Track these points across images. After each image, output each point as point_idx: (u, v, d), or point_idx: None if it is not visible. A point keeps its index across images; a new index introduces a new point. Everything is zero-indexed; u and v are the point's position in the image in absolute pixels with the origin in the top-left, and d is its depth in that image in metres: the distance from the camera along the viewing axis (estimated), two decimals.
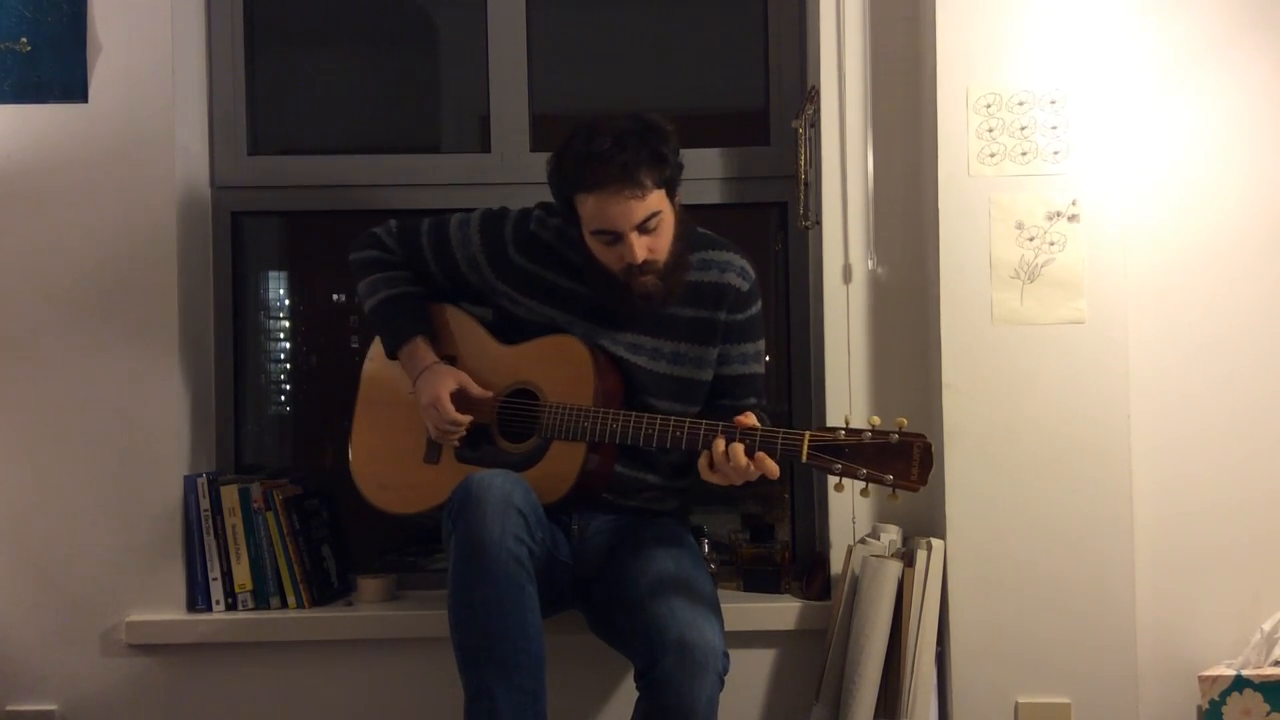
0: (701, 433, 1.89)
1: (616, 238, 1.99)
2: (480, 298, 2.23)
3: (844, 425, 1.82)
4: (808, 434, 1.83)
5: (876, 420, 1.81)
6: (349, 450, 2.26)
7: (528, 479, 1.96)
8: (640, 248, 1.98)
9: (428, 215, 2.26)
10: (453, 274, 2.20)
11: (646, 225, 1.98)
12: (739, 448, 1.83)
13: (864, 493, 1.82)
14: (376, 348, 2.26)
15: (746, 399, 2.17)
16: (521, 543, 1.85)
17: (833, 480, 1.83)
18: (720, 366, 2.16)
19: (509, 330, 2.18)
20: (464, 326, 2.22)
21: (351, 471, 2.25)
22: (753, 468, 1.84)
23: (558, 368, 2.08)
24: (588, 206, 1.99)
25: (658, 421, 1.95)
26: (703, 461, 1.89)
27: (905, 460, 1.77)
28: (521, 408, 2.11)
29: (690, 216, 2.14)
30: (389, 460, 2.22)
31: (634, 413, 1.98)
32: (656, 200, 1.97)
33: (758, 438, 1.84)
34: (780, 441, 1.83)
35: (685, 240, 2.09)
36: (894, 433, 1.78)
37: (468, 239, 2.18)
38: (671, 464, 2.17)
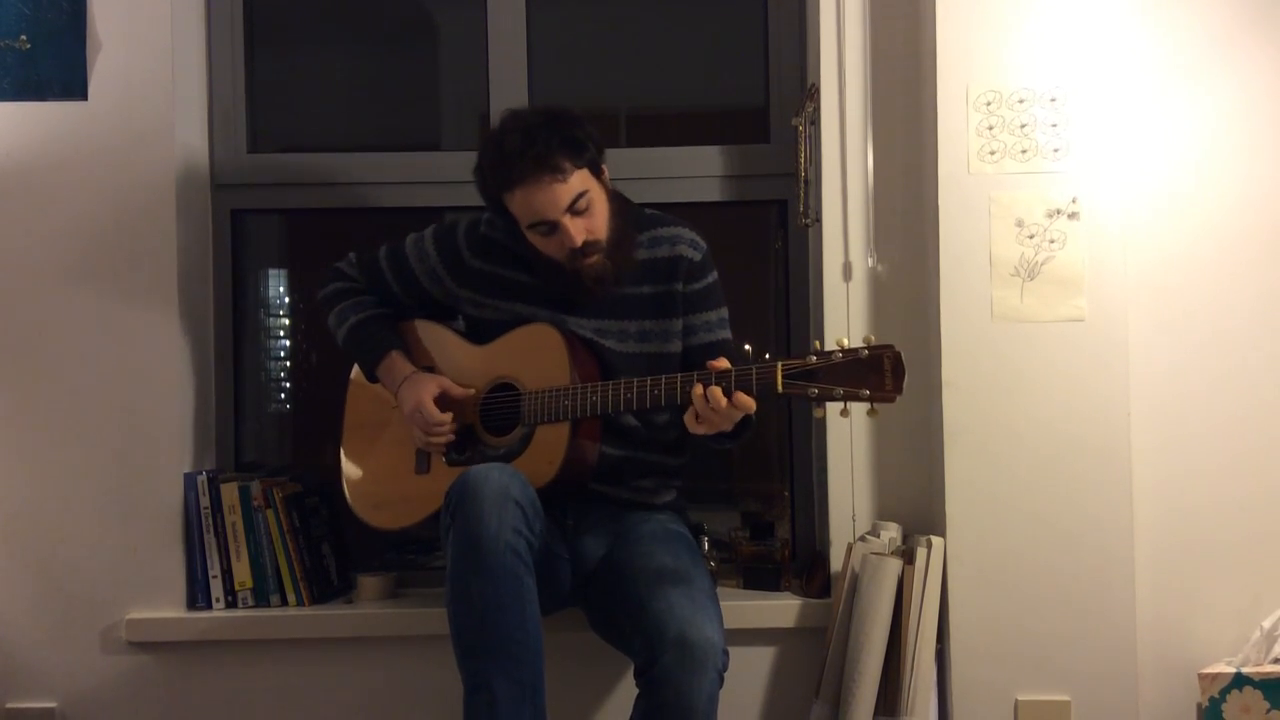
0: (679, 384, 1.91)
1: (552, 227, 2.02)
2: (447, 311, 2.26)
3: (815, 351, 1.82)
4: (780, 363, 1.83)
5: (845, 341, 1.81)
6: (343, 484, 2.27)
7: (516, 467, 1.96)
8: (577, 230, 2.02)
9: (425, 214, 2.26)
10: (415, 291, 2.23)
11: (576, 207, 2.01)
12: (717, 390, 1.84)
13: (844, 413, 1.81)
14: (356, 374, 2.29)
15: None
16: (520, 535, 1.85)
17: (815, 407, 1.83)
18: (688, 337, 2.17)
19: (480, 333, 2.21)
20: (436, 336, 2.24)
21: (349, 502, 2.26)
22: (735, 409, 1.85)
23: (534, 357, 2.10)
24: (516, 203, 2.03)
25: (635, 384, 1.97)
26: (688, 416, 1.90)
27: (878, 372, 1.76)
28: (503, 401, 2.12)
29: (697, 210, 2.14)
30: (381, 479, 2.24)
31: (610, 382, 2.00)
32: (580, 180, 2.01)
33: (733, 376, 1.85)
34: (755, 375, 1.84)
35: (624, 216, 2.11)
36: (863, 348, 1.78)
37: (424, 254, 2.21)
38: (659, 441, 2.18)
